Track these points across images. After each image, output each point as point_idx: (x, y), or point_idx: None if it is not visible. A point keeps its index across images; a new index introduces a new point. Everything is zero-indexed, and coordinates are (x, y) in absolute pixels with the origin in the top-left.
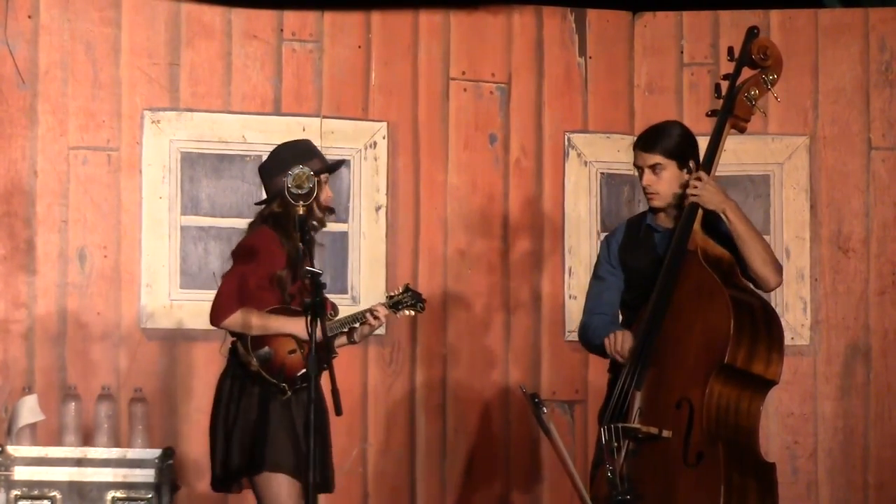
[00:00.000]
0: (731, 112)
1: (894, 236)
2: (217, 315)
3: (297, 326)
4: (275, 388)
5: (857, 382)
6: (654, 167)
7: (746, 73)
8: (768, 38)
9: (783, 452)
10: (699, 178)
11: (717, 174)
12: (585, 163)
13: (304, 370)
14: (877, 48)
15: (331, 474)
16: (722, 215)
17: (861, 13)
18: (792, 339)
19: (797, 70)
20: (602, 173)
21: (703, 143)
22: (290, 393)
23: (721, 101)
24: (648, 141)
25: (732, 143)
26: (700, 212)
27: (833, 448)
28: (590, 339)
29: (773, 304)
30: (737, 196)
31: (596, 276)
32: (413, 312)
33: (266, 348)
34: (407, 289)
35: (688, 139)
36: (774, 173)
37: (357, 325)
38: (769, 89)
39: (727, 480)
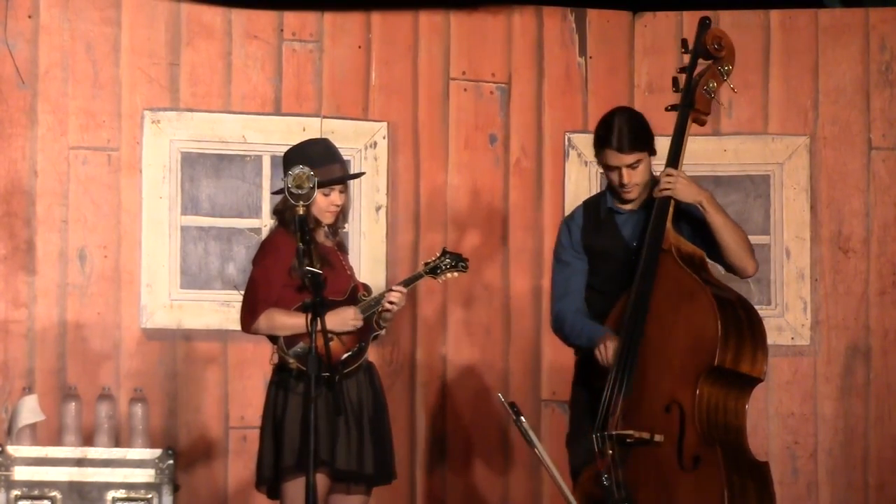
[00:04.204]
0: (692, 106)
1: (894, 236)
2: (243, 323)
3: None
4: (320, 381)
5: (857, 382)
6: (633, 164)
7: (702, 65)
8: (720, 28)
9: (783, 452)
10: (669, 174)
11: (718, 174)
12: (585, 163)
13: (346, 353)
14: (877, 48)
15: (391, 463)
16: (699, 206)
17: (861, 13)
18: (792, 339)
19: (797, 70)
20: (602, 173)
21: (664, 142)
22: (336, 379)
23: (679, 94)
24: (627, 141)
25: (733, 143)
26: (671, 208)
27: (833, 448)
28: (568, 336)
29: (773, 305)
30: (737, 196)
31: (560, 261)
32: (457, 273)
33: (301, 344)
34: (444, 252)
35: (647, 123)
36: (774, 173)
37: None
38: (725, 80)
39: (729, 483)
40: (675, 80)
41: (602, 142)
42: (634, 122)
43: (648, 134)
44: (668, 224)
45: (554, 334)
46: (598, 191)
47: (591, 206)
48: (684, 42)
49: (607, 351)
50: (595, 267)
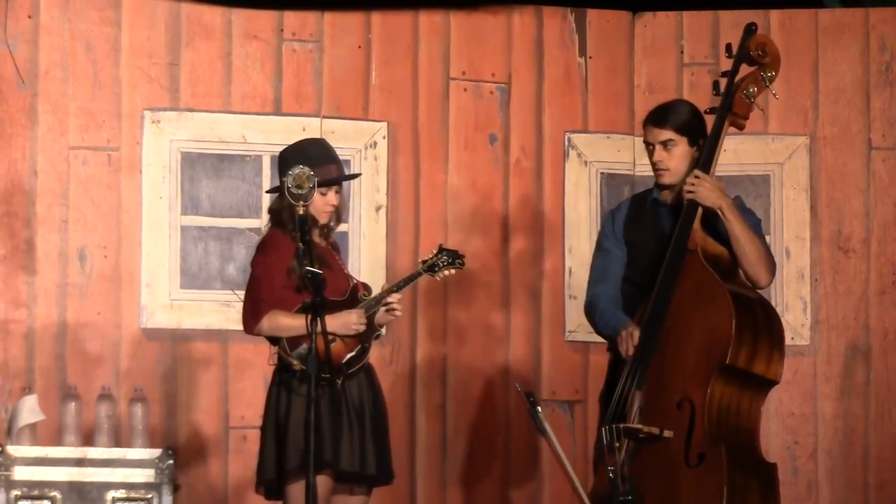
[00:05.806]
0: (730, 109)
1: (894, 236)
2: (246, 325)
3: (327, 321)
4: (324, 382)
5: (857, 382)
6: (665, 143)
7: (744, 70)
8: (766, 35)
9: (783, 452)
10: (696, 176)
11: (717, 174)
12: (585, 163)
13: (349, 354)
14: (877, 48)
15: (390, 464)
16: (718, 212)
17: (861, 13)
18: (792, 339)
19: (797, 70)
20: (602, 173)
21: None
22: (339, 382)
23: (720, 98)
24: (661, 116)
25: (732, 143)
26: (700, 210)
27: (833, 448)
28: (596, 324)
29: (773, 304)
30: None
31: (601, 248)
32: (454, 270)
33: (304, 345)
34: (441, 249)
35: (698, 117)
36: (774, 173)
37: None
38: (767, 86)
39: (730, 481)
40: (715, 84)
41: (645, 120)
42: (681, 104)
43: (692, 122)
44: (697, 224)
45: (586, 318)
46: (598, 191)
47: (639, 198)
48: (728, 47)
49: (630, 339)
50: (633, 258)
